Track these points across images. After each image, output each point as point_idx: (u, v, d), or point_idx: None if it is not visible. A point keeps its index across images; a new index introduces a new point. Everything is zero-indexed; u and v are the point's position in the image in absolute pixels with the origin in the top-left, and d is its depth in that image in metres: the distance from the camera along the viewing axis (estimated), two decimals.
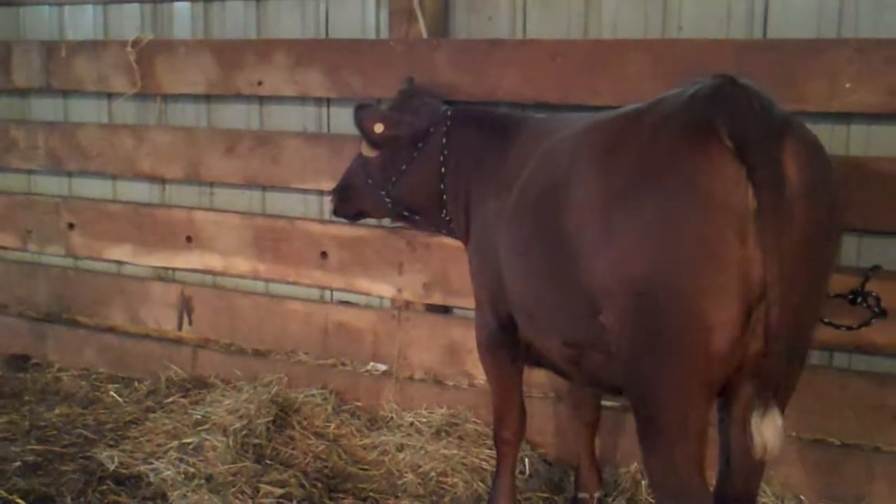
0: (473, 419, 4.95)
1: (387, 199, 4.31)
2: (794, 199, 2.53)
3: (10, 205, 6.48)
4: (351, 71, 5.11)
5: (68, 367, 6.14)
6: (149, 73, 5.76)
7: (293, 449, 4.79)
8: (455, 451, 4.67)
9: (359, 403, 5.28)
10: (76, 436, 5.14)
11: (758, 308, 2.55)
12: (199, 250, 5.79)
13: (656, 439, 2.78)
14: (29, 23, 6.52)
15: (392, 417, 5.12)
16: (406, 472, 4.58)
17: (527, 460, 4.60)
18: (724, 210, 2.53)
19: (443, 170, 4.14)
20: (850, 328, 3.90)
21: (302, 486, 4.38)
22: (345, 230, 5.27)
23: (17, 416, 5.39)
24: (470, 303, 4.57)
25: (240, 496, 4.27)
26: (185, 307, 5.90)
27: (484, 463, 4.60)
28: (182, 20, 5.95)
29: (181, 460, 4.63)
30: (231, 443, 4.70)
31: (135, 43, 5.74)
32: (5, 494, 4.35)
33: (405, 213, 4.39)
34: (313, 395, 5.27)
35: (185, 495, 4.30)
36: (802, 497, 4.26)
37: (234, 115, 5.82)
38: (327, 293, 5.66)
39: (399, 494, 4.41)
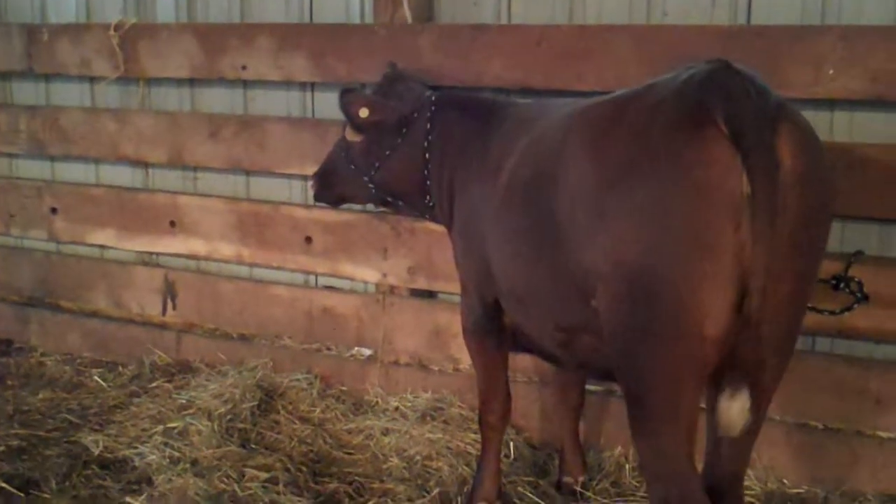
0: (458, 403, 4.96)
1: (370, 185, 4.30)
2: (787, 185, 2.53)
3: None
4: (335, 56, 5.09)
5: (52, 351, 6.12)
6: (132, 57, 5.72)
7: (278, 433, 4.80)
8: (440, 436, 4.68)
9: (344, 388, 5.29)
10: (60, 420, 5.12)
11: (750, 294, 2.56)
12: (182, 235, 5.77)
13: (646, 423, 2.80)
14: (10, 6, 6.44)
15: (377, 402, 5.13)
16: (391, 457, 4.59)
17: (511, 444, 4.62)
18: (719, 196, 2.52)
19: (427, 155, 4.13)
20: (832, 313, 3.94)
21: (287, 470, 4.38)
22: (329, 215, 5.27)
23: (0, 401, 5.36)
24: (455, 287, 4.62)
25: (225, 480, 4.26)
26: (170, 292, 5.89)
27: (469, 447, 4.61)
28: (165, 4, 5.89)
29: (166, 444, 4.64)
30: (216, 427, 4.71)
31: (117, 27, 5.69)
32: None
33: (388, 199, 4.38)
34: (298, 380, 5.27)
35: (170, 479, 4.30)
36: (785, 480, 4.31)
37: (218, 100, 5.79)
38: (312, 278, 5.65)
39: (384, 478, 4.42)
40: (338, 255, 5.29)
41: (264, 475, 4.32)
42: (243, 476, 4.32)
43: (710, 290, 2.57)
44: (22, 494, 4.27)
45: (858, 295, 3.94)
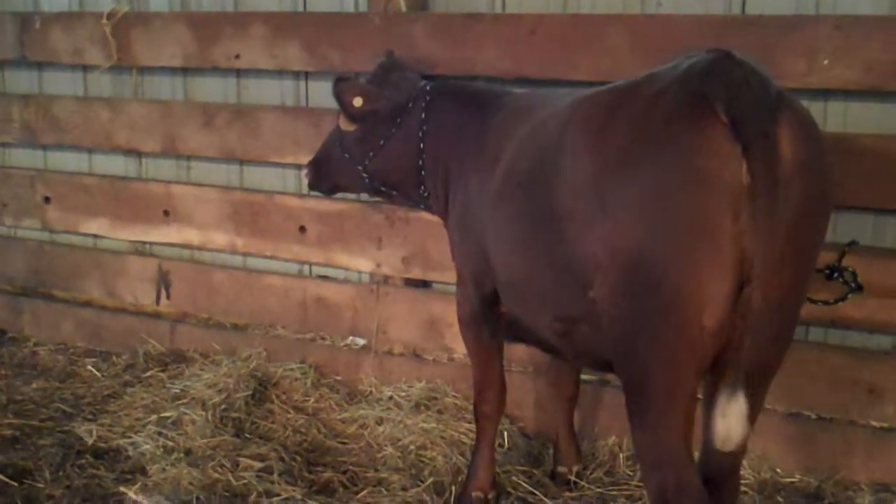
0: (452, 393, 4.97)
1: (364, 175, 4.29)
2: (787, 176, 2.53)
3: None
4: (329, 44, 5.07)
5: (45, 341, 6.12)
6: (124, 45, 5.69)
7: (272, 423, 4.80)
8: (434, 425, 4.68)
9: (338, 377, 5.29)
10: (54, 410, 5.13)
11: (749, 284, 2.56)
12: (176, 224, 5.76)
13: (644, 413, 2.80)
14: None
15: (371, 391, 5.14)
16: (385, 446, 4.59)
17: (506, 434, 4.62)
18: (719, 186, 2.52)
19: (421, 145, 4.12)
20: (826, 303, 3.95)
21: (281, 459, 4.38)
22: (323, 204, 5.26)
23: None
24: (449, 277, 4.62)
25: (219, 470, 4.27)
26: (163, 281, 5.87)
27: (463, 436, 4.61)
28: None
29: (160, 434, 4.64)
30: (210, 417, 4.70)
31: (110, 15, 5.66)
32: None
33: (382, 189, 4.37)
34: (292, 370, 5.27)
35: (163, 469, 4.30)
36: (778, 469, 4.32)
37: (211, 89, 5.77)
38: (306, 268, 5.64)
39: (378, 468, 4.42)
40: (332, 244, 5.29)
41: (258, 465, 4.32)
42: (237, 465, 4.32)
43: (709, 280, 2.57)
44: (15, 484, 4.26)
45: (852, 285, 3.95)
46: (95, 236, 6.18)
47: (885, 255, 4.15)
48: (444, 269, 4.84)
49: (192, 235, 5.73)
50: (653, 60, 4.13)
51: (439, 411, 4.85)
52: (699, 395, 2.87)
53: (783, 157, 2.53)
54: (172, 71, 5.83)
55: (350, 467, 4.44)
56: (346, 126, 4.24)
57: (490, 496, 4.09)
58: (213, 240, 5.67)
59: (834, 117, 4.25)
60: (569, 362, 4.07)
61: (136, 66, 5.84)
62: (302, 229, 5.35)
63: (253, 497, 4.07)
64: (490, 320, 3.85)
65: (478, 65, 4.70)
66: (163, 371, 5.49)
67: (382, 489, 4.23)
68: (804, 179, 2.58)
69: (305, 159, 4.63)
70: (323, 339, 5.45)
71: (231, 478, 4.21)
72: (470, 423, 4.60)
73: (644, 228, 2.64)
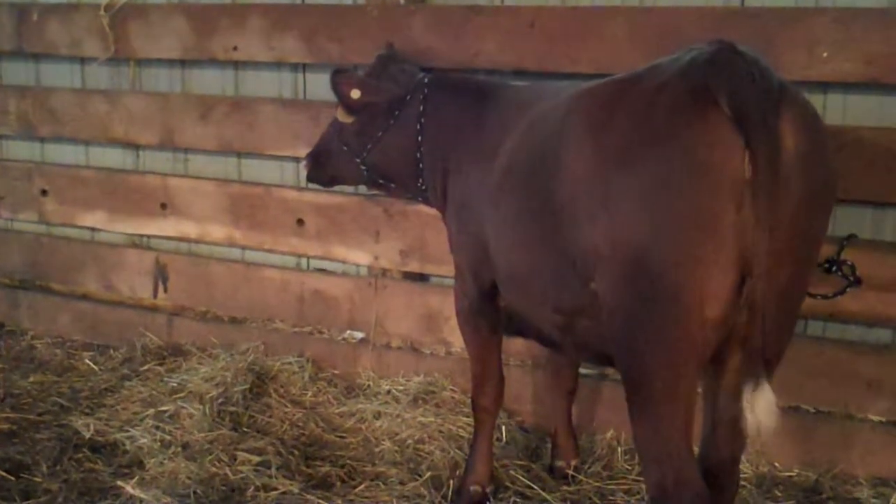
0: (450, 387, 4.96)
1: (362, 167, 4.29)
2: (789, 168, 2.53)
3: None
4: (327, 36, 5.05)
5: (42, 334, 6.10)
6: (122, 37, 5.67)
7: (270, 417, 4.78)
8: (432, 419, 4.68)
9: (336, 371, 5.28)
10: (51, 403, 5.11)
11: (751, 277, 2.55)
12: (174, 217, 5.74)
13: (645, 406, 2.79)
14: None
15: (369, 385, 5.13)
16: (383, 440, 4.58)
17: (504, 428, 4.61)
18: (721, 178, 2.52)
19: (419, 138, 4.11)
20: (825, 297, 3.93)
21: (279, 453, 4.36)
22: (321, 197, 5.24)
23: None
24: (447, 270, 4.61)
25: (217, 464, 4.26)
26: (161, 274, 5.86)
27: (461, 430, 4.61)
28: None
29: (157, 428, 4.62)
30: (207, 410, 4.69)
31: (108, 7, 5.64)
32: None
33: (380, 181, 4.37)
34: (290, 363, 5.25)
35: (161, 463, 4.29)
36: (776, 463, 4.32)
37: (209, 81, 5.74)
38: (304, 261, 5.62)
39: (376, 462, 4.42)
40: (330, 237, 5.27)
41: (256, 458, 4.30)
42: (235, 459, 4.31)
43: (711, 272, 2.56)
44: (13, 478, 4.25)
45: (851, 279, 3.93)
46: (93, 229, 6.16)
47: (883, 248, 4.14)
48: (441, 262, 4.83)
49: (189, 228, 5.72)
50: (652, 53, 4.12)
51: (437, 405, 4.84)
52: (699, 389, 2.86)
53: (785, 149, 2.52)
54: (170, 63, 5.81)
55: (348, 461, 4.42)
56: (344, 118, 4.23)
57: (488, 490, 4.09)
58: (210, 233, 5.65)
59: (833, 110, 4.23)
60: (569, 356, 4.06)
61: (133, 59, 5.81)
62: (300, 222, 5.33)
63: (250, 491, 4.06)
64: (488, 313, 3.84)
65: (477, 57, 4.68)
66: (160, 365, 5.47)
67: (380, 483, 4.22)
68: (806, 172, 2.58)
69: (303, 152, 4.62)
70: (321, 332, 5.43)
71: (228, 472, 4.20)
72: (468, 416, 4.60)
73: (646, 220, 2.63)
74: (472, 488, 4.07)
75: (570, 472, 4.32)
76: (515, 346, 4.73)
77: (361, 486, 4.18)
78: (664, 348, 2.68)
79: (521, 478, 4.26)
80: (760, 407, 2.63)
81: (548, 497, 4.09)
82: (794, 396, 4.32)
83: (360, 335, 5.32)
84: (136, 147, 6.02)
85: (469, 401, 4.26)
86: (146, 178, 5.86)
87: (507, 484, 4.23)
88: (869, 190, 4.04)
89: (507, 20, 4.61)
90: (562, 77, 4.47)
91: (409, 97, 4.15)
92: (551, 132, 3.10)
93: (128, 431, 4.65)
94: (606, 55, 4.37)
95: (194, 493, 4.03)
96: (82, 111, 5.93)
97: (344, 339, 5.34)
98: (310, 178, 4.53)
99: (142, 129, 5.76)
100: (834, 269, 3.93)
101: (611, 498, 4.13)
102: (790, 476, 4.27)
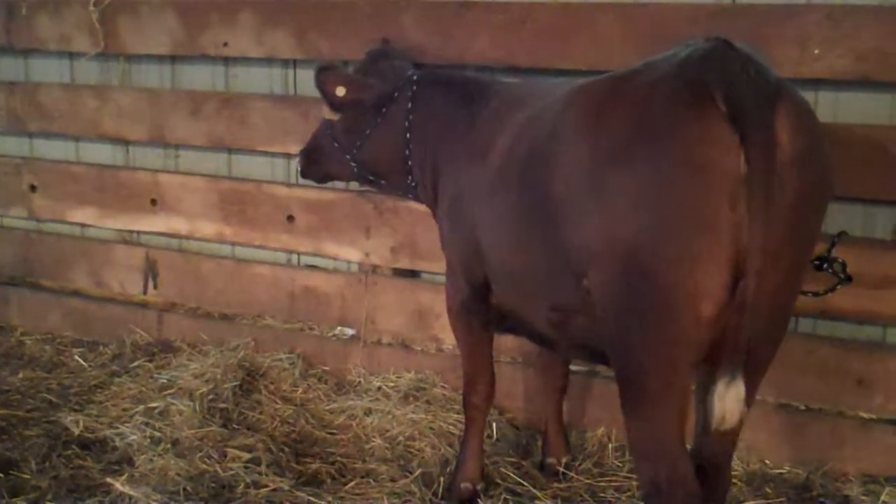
0: (441, 384, 4.96)
1: (352, 164, 4.29)
2: (784, 165, 2.52)
3: None
4: (318, 32, 5.04)
5: (32, 331, 6.06)
6: (112, 32, 5.64)
7: (260, 413, 4.76)
8: (423, 416, 4.67)
9: (326, 368, 5.26)
10: (40, 400, 5.08)
11: (745, 274, 2.55)
12: (164, 213, 5.72)
13: (638, 403, 2.79)
14: None
15: (359, 382, 5.12)
16: (374, 437, 4.58)
17: (494, 424, 4.61)
18: (716, 174, 2.51)
19: (408, 135, 4.11)
20: (816, 294, 3.92)
21: (269, 450, 4.35)
22: (311, 193, 5.23)
23: None
24: (438, 267, 4.61)
25: (207, 461, 4.24)
26: (151, 270, 5.84)
27: (451, 427, 4.60)
28: None
29: (147, 425, 4.61)
30: (197, 407, 4.67)
31: (97, 2, 5.61)
32: None
33: (370, 178, 4.37)
34: (280, 360, 5.24)
35: (151, 460, 4.27)
36: (767, 460, 4.32)
37: (199, 77, 5.71)
38: (294, 257, 5.61)
39: (367, 459, 4.41)
40: (320, 233, 5.26)
41: (246, 455, 4.29)
42: (225, 456, 4.30)
43: (706, 270, 2.56)
44: (1, 475, 4.23)
45: (842, 276, 3.92)
46: (82, 225, 6.13)
47: (874, 245, 4.15)
48: (432, 258, 4.82)
49: (179, 224, 5.69)
50: (645, 49, 4.12)
51: (428, 402, 4.83)
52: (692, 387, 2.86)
53: (781, 146, 2.52)
54: (160, 59, 5.78)
55: (338, 458, 4.42)
56: (330, 115, 4.23)
57: (479, 487, 4.08)
58: (200, 229, 5.63)
59: (824, 107, 4.22)
60: (563, 354, 4.05)
61: (123, 54, 5.78)
62: (290, 218, 5.32)
63: (240, 488, 4.05)
64: (480, 310, 3.84)
65: (468, 53, 4.67)
66: (150, 361, 5.45)
67: (371, 480, 4.21)
68: (802, 169, 2.58)
69: (294, 148, 4.62)
70: (311, 329, 5.42)
71: (218, 468, 4.19)
72: (458, 413, 4.60)
73: (640, 217, 2.62)
74: (462, 485, 4.06)
75: (561, 469, 4.31)
76: (506, 344, 4.72)
77: (352, 484, 4.16)
78: (658, 346, 2.68)
79: (511, 475, 4.25)
80: (729, 399, 2.63)
81: (538, 494, 4.08)
82: (785, 393, 4.32)
83: (350, 332, 5.30)
84: (126, 143, 5.98)
85: (460, 398, 4.25)
86: (136, 174, 5.83)
87: (498, 481, 4.23)
88: (860, 187, 4.04)
89: (499, 16, 4.59)
90: (554, 74, 4.46)
91: (396, 94, 4.14)
92: (546, 129, 3.09)
93: (117, 428, 4.63)
94: (599, 51, 4.37)
95: (184, 490, 4.01)
96: (72, 107, 5.90)
97: (335, 335, 5.33)
98: (303, 175, 4.53)
99: (132, 125, 5.73)
100: (825, 266, 3.92)
101: (602, 495, 4.12)
102: (781, 473, 4.27)
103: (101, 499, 4.03)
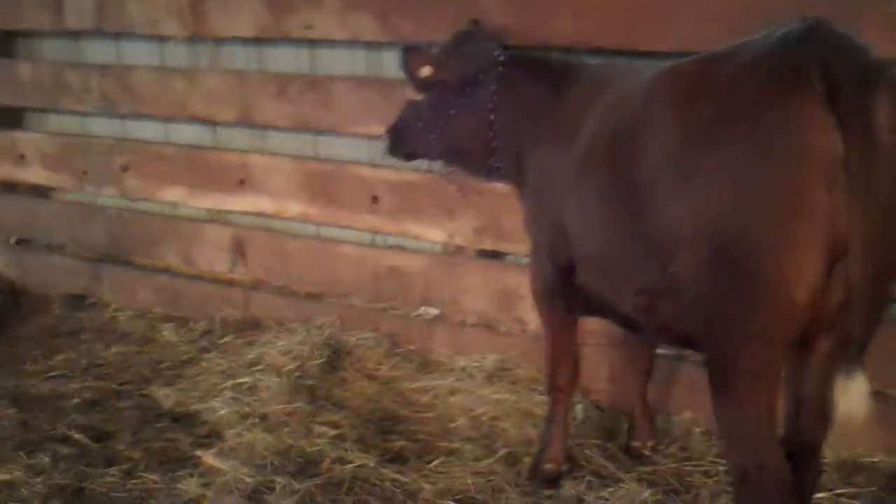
0: (524, 365, 4.95)
1: (435, 143, 4.31)
2: (883, 148, 2.46)
3: (66, 146, 6.55)
4: (401, 14, 5.04)
5: (124, 307, 6.21)
6: (200, 16, 5.74)
7: (346, 391, 4.84)
8: (507, 396, 4.68)
9: (411, 347, 5.30)
10: (132, 374, 5.23)
11: (842, 260, 2.51)
12: (251, 193, 5.81)
13: (729, 390, 2.76)
14: None
15: (444, 362, 5.14)
16: (458, 416, 4.60)
17: (580, 406, 4.59)
18: (813, 157, 2.47)
19: (492, 116, 4.10)
20: None
21: (354, 427, 4.42)
22: (395, 175, 5.26)
23: (74, 354, 5.50)
24: (522, 249, 4.61)
25: (293, 436, 4.33)
26: (238, 249, 5.94)
27: (535, 408, 4.58)
28: None
29: (235, 400, 4.72)
30: (285, 383, 4.76)
31: None
32: (65, 430, 4.46)
33: (454, 158, 4.40)
34: (366, 339, 5.30)
35: (239, 434, 4.37)
36: (859, 449, 4.20)
37: (284, 59, 5.76)
38: (379, 237, 5.65)
39: (451, 438, 4.43)
40: (404, 214, 5.29)
41: (332, 432, 4.37)
42: (311, 432, 4.38)
43: (801, 255, 2.52)
44: (96, 444, 4.39)
45: None
46: (172, 204, 6.27)
47: None
48: (517, 240, 4.80)
49: (266, 204, 5.78)
50: (734, 30, 4.02)
51: (512, 382, 4.83)
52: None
53: (879, 128, 2.45)
54: (245, 41, 5.85)
55: (423, 436, 4.46)
56: (415, 95, 4.26)
57: (563, 468, 4.09)
58: (287, 209, 5.71)
59: None
60: (649, 338, 4.02)
61: (211, 37, 5.87)
62: (374, 199, 5.36)
63: (326, 464, 4.12)
64: (565, 293, 3.81)
65: (553, 35, 4.61)
66: (238, 338, 5.56)
67: (455, 459, 4.23)
68: None
69: (377, 130, 4.64)
70: (395, 308, 5.46)
71: (305, 444, 4.27)
72: (542, 395, 4.57)
73: (733, 201, 2.59)
74: (547, 466, 4.07)
75: (647, 452, 4.28)
76: (591, 326, 4.68)
77: (436, 462, 4.19)
78: (751, 332, 2.65)
79: (596, 457, 4.23)
80: (852, 395, 2.59)
81: (623, 477, 4.05)
82: (879, 381, 4.17)
83: (434, 311, 5.33)
84: (214, 124, 6.09)
85: (544, 379, 4.25)
86: (225, 154, 5.94)
87: (583, 463, 4.21)
88: None
89: None
90: (640, 55, 4.39)
91: (481, 76, 4.13)
92: (633, 112, 3.06)
93: (207, 403, 4.75)
94: (688, 33, 4.27)
95: (271, 464, 4.11)
96: (162, 89, 6.02)
97: (419, 315, 5.36)
98: (389, 152, 4.57)
99: (220, 107, 5.82)
100: None
101: (688, 479, 4.08)
102: (873, 462, 4.16)
103: (190, 471, 4.15)
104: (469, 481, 4.02)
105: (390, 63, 5.32)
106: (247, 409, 4.62)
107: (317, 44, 5.62)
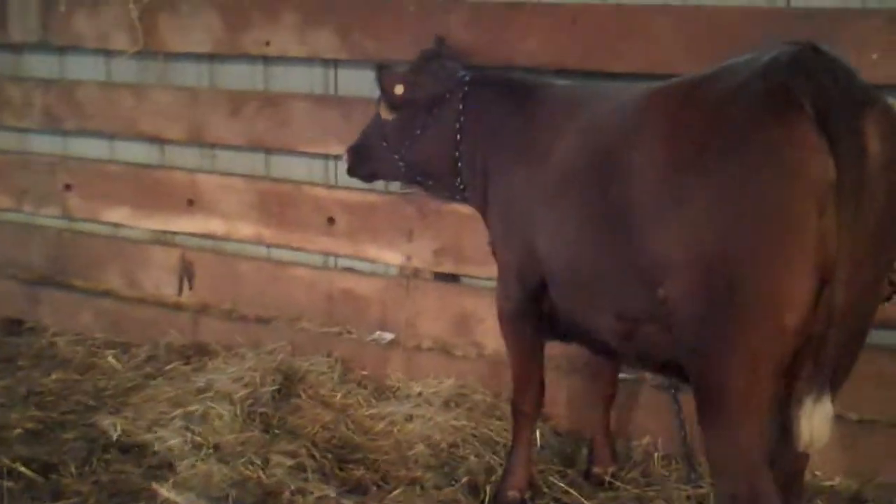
0: (482, 390, 4.86)
1: (400, 163, 4.25)
2: (874, 172, 2.46)
3: (4, 164, 6.34)
4: (363, 32, 4.99)
5: (63, 331, 5.98)
6: (151, 30, 5.60)
7: (300, 418, 4.69)
8: (465, 422, 4.57)
9: (365, 373, 5.18)
10: (75, 402, 5.03)
11: (829, 284, 2.48)
12: (201, 214, 5.66)
13: (720, 417, 2.71)
14: None
15: (399, 387, 5.03)
16: (416, 444, 4.47)
17: (538, 432, 4.51)
18: (804, 181, 2.45)
19: (458, 136, 4.07)
20: None
21: (313, 456, 4.28)
22: (353, 195, 5.18)
23: (12, 382, 5.27)
24: (483, 271, 4.58)
25: (250, 467, 4.17)
26: (186, 272, 5.78)
27: (495, 434, 4.51)
28: None
29: (186, 429, 4.53)
30: (237, 411, 4.61)
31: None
32: (8, 462, 4.23)
33: (418, 178, 4.34)
34: (318, 364, 5.16)
35: (193, 465, 4.21)
36: (818, 472, 4.20)
37: (237, 76, 5.66)
38: (333, 259, 5.54)
39: (411, 466, 4.32)
40: (361, 236, 5.20)
41: (289, 462, 4.22)
42: (268, 462, 4.23)
43: (793, 278, 2.50)
44: (42, 478, 4.18)
45: None
46: (116, 225, 6.08)
47: None
48: (478, 263, 4.75)
49: (216, 226, 5.65)
50: (698, 52, 4.08)
51: (470, 409, 4.74)
52: None
53: (870, 152, 2.45)
54: (198, 57, 5.72)
55: (382, 465, 4.33)
56: (386, 114, 4.20)
57: (527, 496, 4.01)
58: (238, 230, 5.58)
59: None
60: (625, 363, 3.97)
61: (162, 52, 5.72)
62: (331, 220, 5.25)
63: (286, 495, 3.98)
64: (533, 317, 3.76)
65: (517, 55, 4.60)
66: (185, 364, 5.38)
67: (416, 488, 4.12)
68: (891, 176, 2.50)
69: (336, 149, 4.57)
70: (349, 332, 5.34)
71: (262, 475, 4.13)
72: (501, 420, 4.55)
73: (724, 224, 2.56)
74: (510, 493, 3.98)
75: (608, 478, 4.22)
76: (549, 350, 4.61)
77: (397, 491, 4.08)
78: (743, 357, 2.61)
79: (558, 483, 4.16)
80: (817, 419, 2.57)
81: (586, 503, 4.00)
82: (838, 404, 4.21)
83: (389, 336, 5.22)
84: (162, 142, 5.93)
85: (502, 404, 4.20)
86: (174, 173, 5.79)
87: (545, 490, 4.14)
88: None
89: (549, 18, 4.52)
90: (605, 76, 4.39)
91: (447, 95, 4.11)
92: (618, 133, 3.03)
93: (156, 432, 4.56)
94: (651, 54, 4.29)
95: (229, 496, 3.95)
96: (109, 105, 5.86)
97: (373, 339, 5.25)
98: (350, 173, 4.50)
99: (170, 124, 5.69)
100: None
101: None
102: (832, 485, 4.17)
103: None
104: None
105: (349, 81, 5.26)
106: (198, 438, 4.45)
107: (271, 61, 5.51)
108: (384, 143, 4.24)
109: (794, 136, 2.47)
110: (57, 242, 6.24)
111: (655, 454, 4.41)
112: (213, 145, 5.74)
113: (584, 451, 4.42)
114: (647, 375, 4.48)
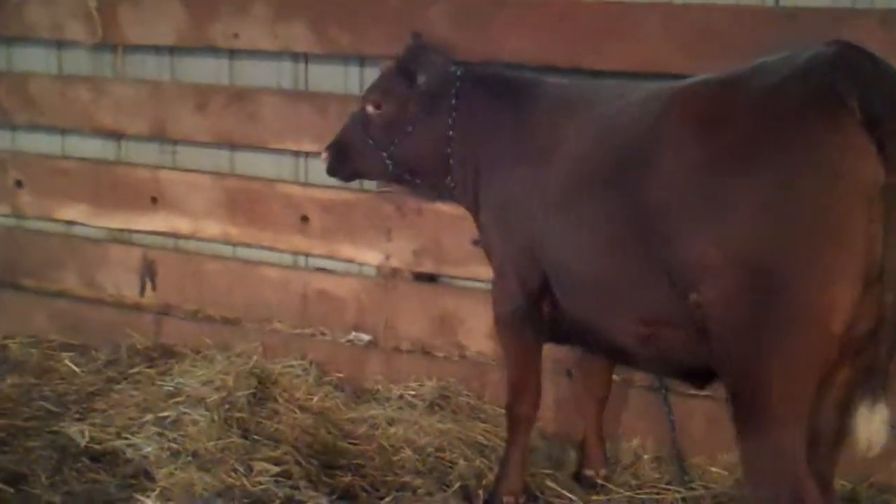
0: (465, 392, 4.78)
1: (387, 161, 4.12)
2: None
3: None
4: (339, 25, 4.84)
5: (15, 333, 5.72)
6: (110, 21, 5.37)
7: (279, 423, 4.52)
8: (450, 426, 4.49)
9: (340, 375, 5.05)
10: (36, 408, 4.79)
11: (873, 288, 2.44)
12: (164, 212, 5.46)
13: (760, 424, 2.66)
14: None
15: (379, 390, 4.91)
16: (402, 448, 4.37)
17: None
18: (852, 184, 2.42)
19: (450, 133, 3.97)
20: None
21: (298, 463, 4.14)
22: (328, 193, 5.03)
23: None
24: (462, 271, 4.54)
25: (233, 474, 4.02)
26: (148, 272, 5.56)
27: (481, 437, 4.44)
28: None
29: (161, 435, 4.36)
30: (214, 417, 4.44)
31: None
32: None
33: (406, 177, 4.21)
34: (292, 366, 5.01)
35: (172, 474, 4.03)
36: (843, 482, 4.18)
37: (201, 70, 5.46)
38: (307, 259, 5.38)
39: (398, 471, 4.21)
40: (337, 235, 5.05)
41: (274, 469, 4.07)
42: (251, 469, 4.07)
43: (839, 284, 2.46)
44: (11, 490, 3.97)
45: None
46: (71, 223, 5.83)
47: None
48: (458, 263, 4.67)
49: (181, 224, 5.45)
50: (686, 50, 4.06)
51: (454, 411, 4.66)
52: None
53: None
54: (157, 50, 5.51)
55: (369, 471, 4.21)
56: (373, 110, 4.07)
57: (521, 501, 3.93)
58: (204, 228, 5.40)
59: None
60: (642, 369, 3.91)
61: (121, 44, 5.49)
62: (304, 219, 5.10)
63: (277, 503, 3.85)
64: (534, 319, 3.69)
65: (501, 51, 4.50)
66: (150, 367, 5.18)
67: (407, 494, 4.01)
68: None
69: (308, 146, 4.46)
70: (323, 334, 5.19)
71: (247, 482, 3.97)
72: (486, 423, 4.49)
73: (768, 228, 2.51)
74: (505, 499, 3.91)
75: (600, 480, 4.17)
76: None
77: (388, 498, 3.97)
78: (786, 364, 2.57)
79: (550, 486, 4.10)
80: (875, 424, 2.54)
81: None
82: None
83: (366, 338, 5.10)
84: (119, 137, 5.70)
85: (486, 406, 4.12)
86: (135, 170, 5.57)
87: (537, 493, 4.08)
88: None
89: (534, 14, 4.45)
90: (592, 74, 4.34)
91: (440, 91, 4.00)
92: (638, 134, 2.96)
93: (128, 439, 4.39)
94: (639, 52, 4.24)
95: None
96: (64, 99, 5.62)
97: (349, 341, 5.12)
98: (330, 172, 4.33)
99: (130, 119, 5.48)
100: None
101: None
102: None
103: None
104: None
105: (320, 76, 5.11)
106: (175, 445, 4.27)
107: (238, 54, 5.32)
108: (370, 141, 4.11)
109: (840, 138, 2.45)
110: (7, 241, 5.97)
111: (644, 456, 4.37)
112: (175, 141, 5.53)
113: (573, 453, 4.36)
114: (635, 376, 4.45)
